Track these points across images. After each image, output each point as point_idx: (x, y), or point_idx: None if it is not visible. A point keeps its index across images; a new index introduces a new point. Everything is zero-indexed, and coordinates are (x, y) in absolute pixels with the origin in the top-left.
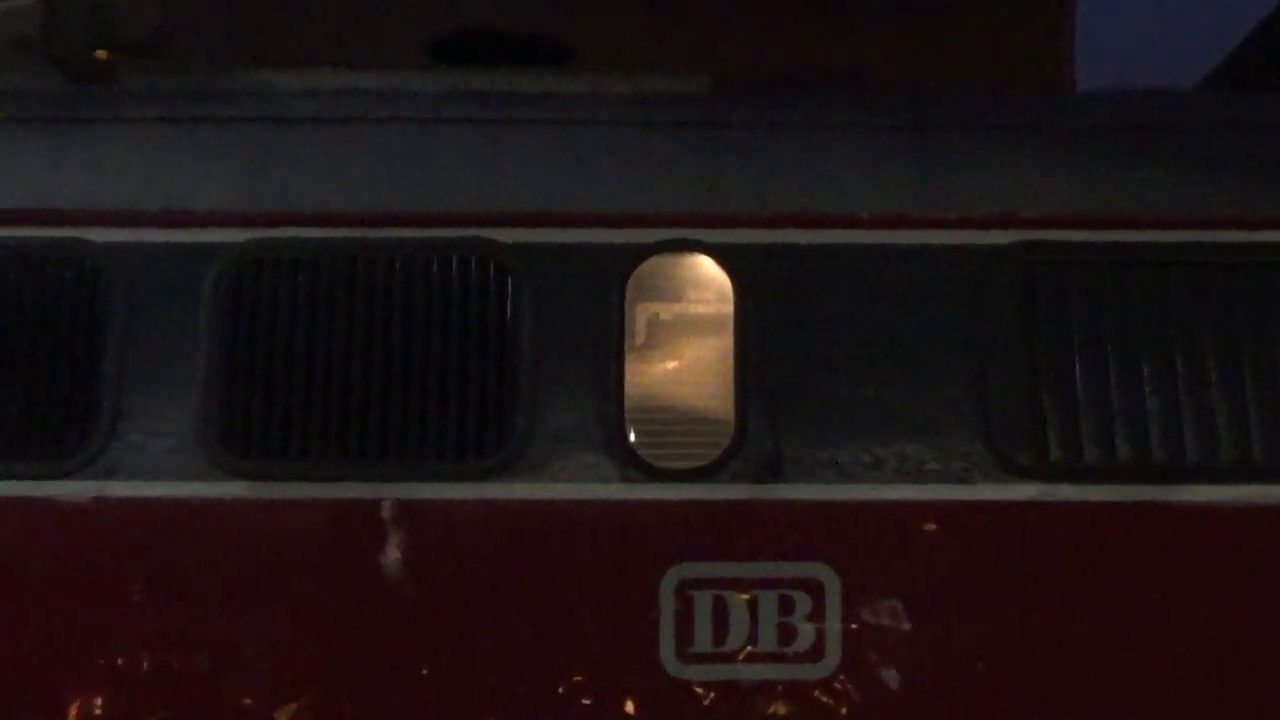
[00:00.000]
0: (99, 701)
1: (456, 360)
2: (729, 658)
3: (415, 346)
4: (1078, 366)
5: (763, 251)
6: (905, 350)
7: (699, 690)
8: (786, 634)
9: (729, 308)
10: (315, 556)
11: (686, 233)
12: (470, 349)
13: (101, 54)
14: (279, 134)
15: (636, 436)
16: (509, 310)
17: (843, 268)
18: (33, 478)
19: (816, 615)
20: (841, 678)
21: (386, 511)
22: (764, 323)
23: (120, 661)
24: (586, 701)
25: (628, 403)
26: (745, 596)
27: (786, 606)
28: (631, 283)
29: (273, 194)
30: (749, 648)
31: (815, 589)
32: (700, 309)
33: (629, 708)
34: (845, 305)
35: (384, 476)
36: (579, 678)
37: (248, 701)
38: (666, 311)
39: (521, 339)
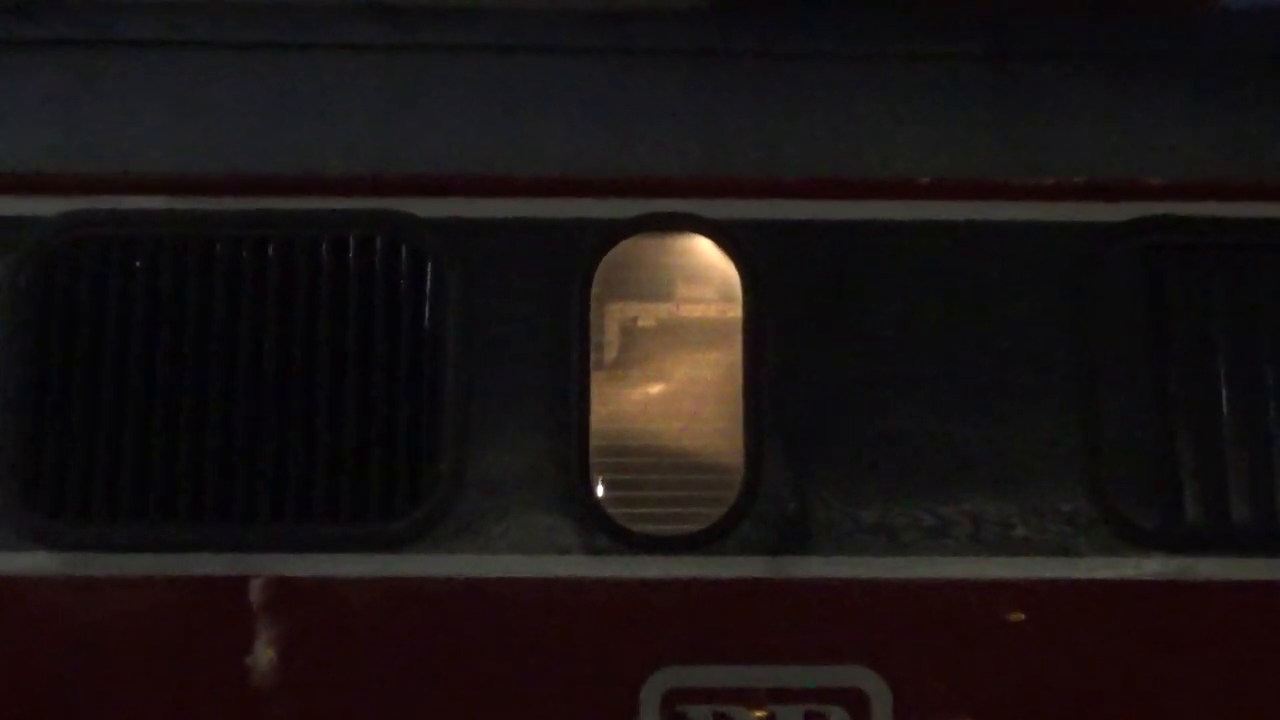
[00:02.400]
0: None
1: (356, 382)
2: None
3: (298, 363)
4: (1224, 393)
5: (782, 231)
6: (983, 369)
7: None
8: None
9: (735, 309)
10: (157, 655)
11: (676, 204)
12: (375, 366)
13: None
14: (110, 64)
15: (606, 490)
16: (428, 312)
17: (895, 254)
18: None
19: None
20: None
21: (256, 593)
22: (784, 330)
23: None
24: None
25: (594, 442)
26: (759, 713)
27: None
28: (600, 274)
29: (101, 147)
30: None
31: (856, 702)
32: (695, 311)
33: None
34: (898, 306)
35: (253, 545)
36: None
37: None
38: (648, 314)
39: (445, 352)
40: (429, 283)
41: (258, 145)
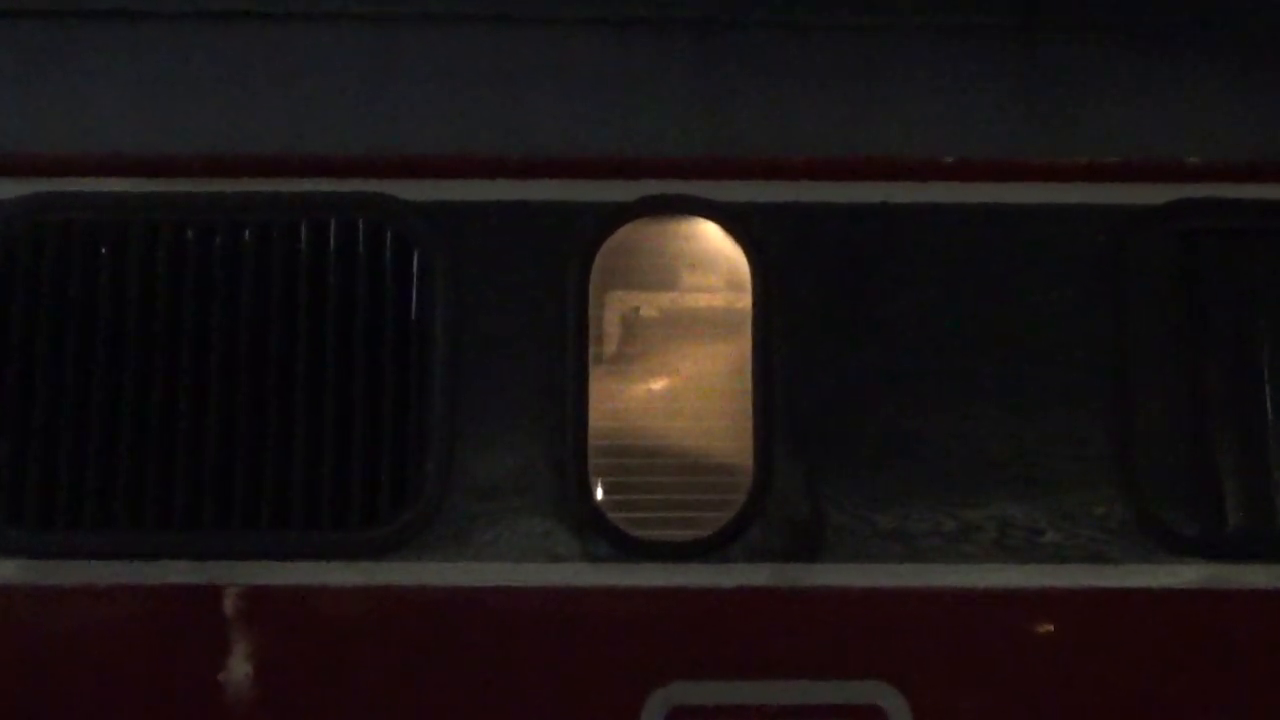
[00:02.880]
0: None
1: (337, 377)
2: None
3: (275, 357)
4: (1268, 388)
5: (795, 214)
6: (1009, 362)
7: None
8: None
9: (744, 299)
10: (126, 668)
11: (681, 186)
12: (358, 360)
13: None
14: (74, 38)
15: (606, 493)
16: (415, 302)
17: (915, 239)
18: None
19: None
20: None
21: (231, 604)
22: (797, 321)
23: None
24: None
25: (593, 441)
26: None
27: None
28: (599, 261)
29: (64, 126)
30: None
31: (873, 719)
32: (701, 300)
33: None
34: (918, 296)
35: (228, 552)
36: None
37: None
38: (651, 304)
39: (433, 345)
40: (415, 271)
41: (231, 123)
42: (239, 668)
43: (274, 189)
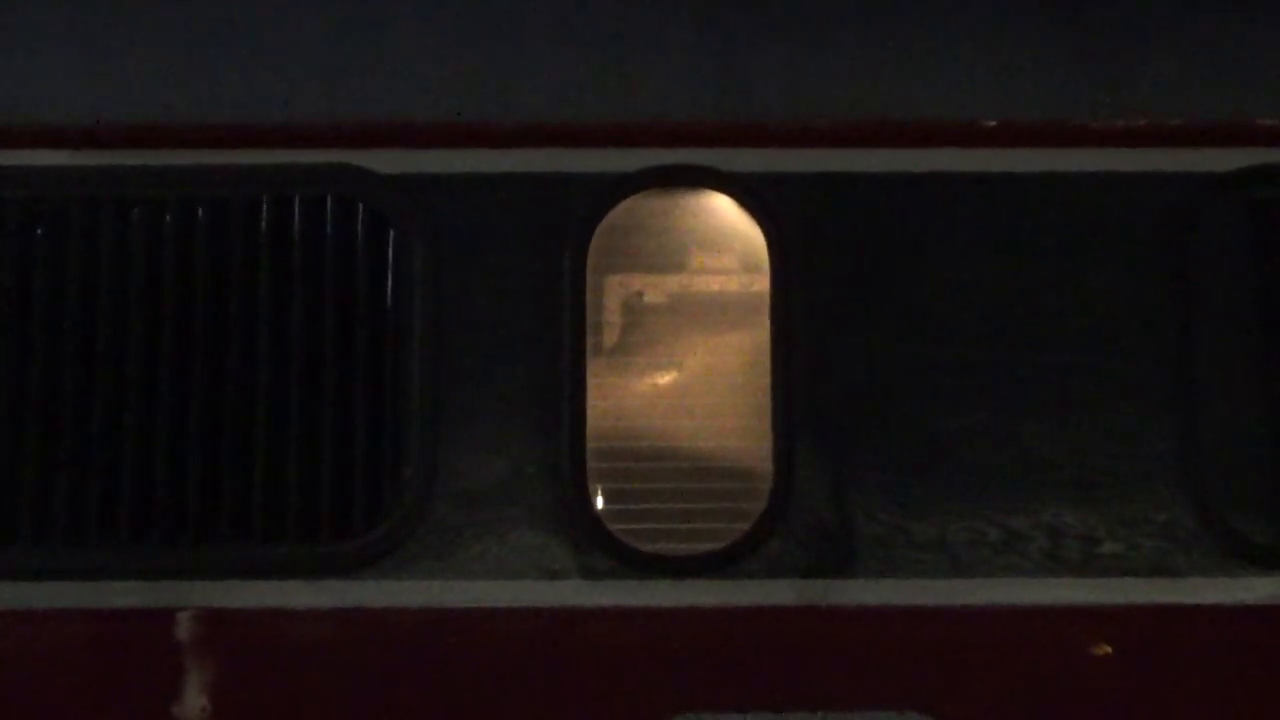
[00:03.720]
0: None
1: (304, 372)
2: None
3: (235, 351)
4: None
5: (817, 186)
6: (1061, 351)
7: None
8: None
9: (761, 280)
10: (68, 701)
11: (689, 155)
12: (327, 353)
13: None
14: None
15: (607, 501)
16: (391, 286)
17: (953, 213)
18: None
19: None
20: None
21: (186, 628)
22: (821, 305)
23: None
24: None
25: (591, 443)
26: None
27: None
28: (598, 241)
29: None
30: None
31: None
32: (713, 283)
33: None
34: (957, 276)
35: (180, 571)
36: None
37: None
38: (656, 288)
39: (412, 335)
40: (391, 251)
41: (182, 88)
42: (193, 701)
43: (230, 160)
